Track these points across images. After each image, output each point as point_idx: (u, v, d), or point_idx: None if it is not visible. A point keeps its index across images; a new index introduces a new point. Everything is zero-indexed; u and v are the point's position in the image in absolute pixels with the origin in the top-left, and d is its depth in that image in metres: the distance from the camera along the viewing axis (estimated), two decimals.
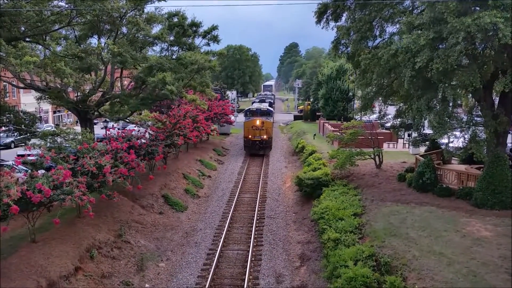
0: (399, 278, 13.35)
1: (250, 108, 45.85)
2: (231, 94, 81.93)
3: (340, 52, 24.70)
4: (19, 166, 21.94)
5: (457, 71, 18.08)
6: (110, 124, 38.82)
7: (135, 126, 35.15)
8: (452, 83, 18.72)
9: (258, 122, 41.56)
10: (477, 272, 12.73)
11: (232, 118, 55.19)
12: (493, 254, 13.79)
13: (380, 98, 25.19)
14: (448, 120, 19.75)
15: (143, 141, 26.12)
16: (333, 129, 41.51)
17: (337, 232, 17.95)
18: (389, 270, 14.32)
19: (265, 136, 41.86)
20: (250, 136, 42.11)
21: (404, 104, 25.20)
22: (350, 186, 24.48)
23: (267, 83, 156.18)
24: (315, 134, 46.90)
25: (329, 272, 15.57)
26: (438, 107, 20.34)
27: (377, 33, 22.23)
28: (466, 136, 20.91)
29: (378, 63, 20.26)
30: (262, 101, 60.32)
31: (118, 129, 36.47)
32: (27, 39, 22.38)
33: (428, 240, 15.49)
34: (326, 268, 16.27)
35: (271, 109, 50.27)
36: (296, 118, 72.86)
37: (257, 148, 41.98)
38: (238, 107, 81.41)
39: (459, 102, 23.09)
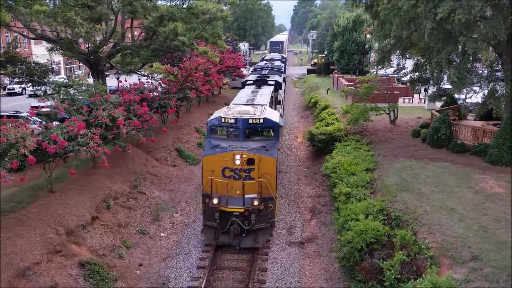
0: (410, 232, 13.47)
1: (220, 117, 16.43)
2: (243, 47, 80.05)
3: (358, 1, 23.70)
4: (33, 117, 22.17)
5: (480, 23, 17.27)
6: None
7: (147, 79, 34.92)
8: (473, 35, 17.94)
9: (237, 160, 15.27)
10: (488, 228, 12.77)
11: (244, 71, 52.79)
12: (505, 211, 13.77)
13: (398, 51, 24.46)
14: (468, 75, 19.14)
15: (155, 94, 26.03)
16: (347, 83, 40.71)
17: (348, 186, 18.04)
18: (399, 224, 14.45)
19: (255, 202, 15.28)
20: (215, 200, 15.36)
21: (422, 57, 24.44)
22: (363, 141, 24.31)
23: (277, 38, 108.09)
24: (328, 89, 46.10)
25: (340, 225, 15.80)
26: (458, 61, 19.68)
27: None
28: (484, 91, 20.34)
29: (398, 14, 19.43)
30: (260, 82, 25.13)
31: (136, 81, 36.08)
32: None
33: (440, 195, 15.49)
34: (336, 221, 16.50)
35: (276, 119, 16.83)
36: (309, 72, 71.49)
37: (233, 233, 15.57)
38: (251, 60, 79.73)
39: (479, 56, 22.27)
